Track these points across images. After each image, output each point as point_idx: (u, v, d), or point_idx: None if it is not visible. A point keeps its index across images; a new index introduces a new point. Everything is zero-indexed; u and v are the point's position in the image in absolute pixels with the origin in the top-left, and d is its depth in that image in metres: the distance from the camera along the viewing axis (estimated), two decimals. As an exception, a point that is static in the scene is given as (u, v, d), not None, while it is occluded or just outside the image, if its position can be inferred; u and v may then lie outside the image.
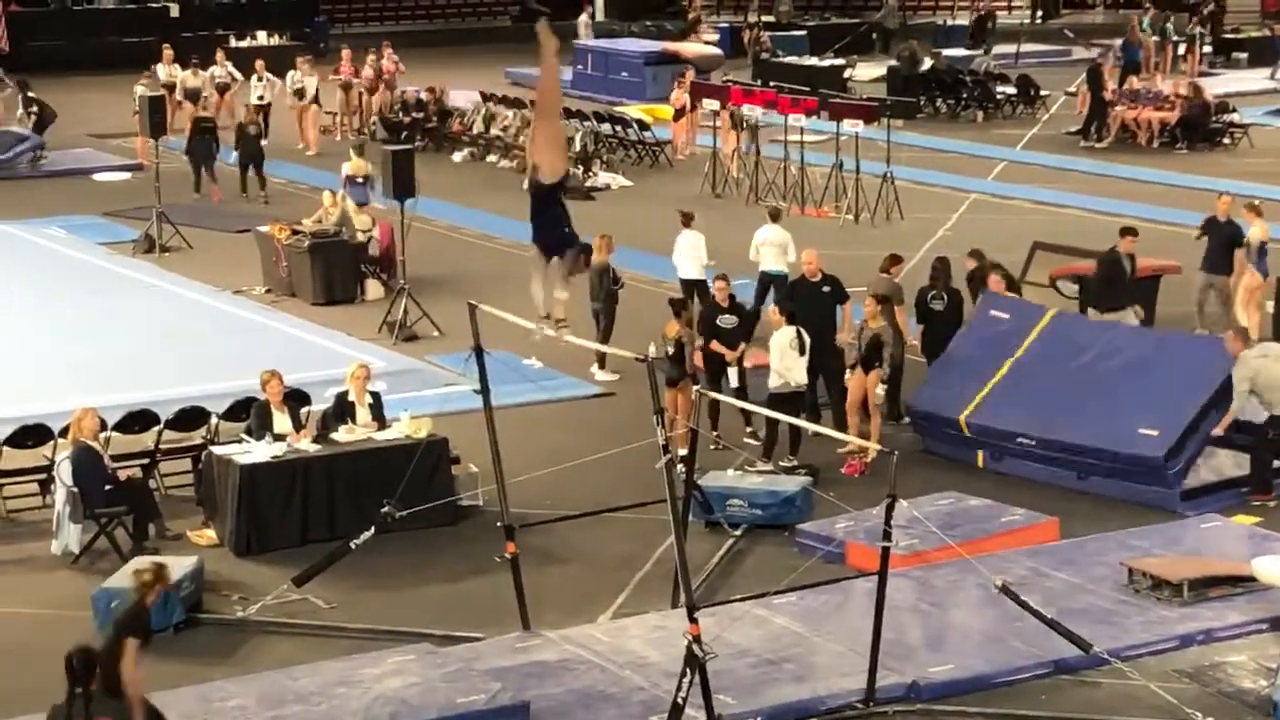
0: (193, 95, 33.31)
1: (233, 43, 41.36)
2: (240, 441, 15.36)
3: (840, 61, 41.29)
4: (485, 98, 34.59)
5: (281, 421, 15.45)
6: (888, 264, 18.68)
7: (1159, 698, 11.64)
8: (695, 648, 10.84)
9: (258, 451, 14.97)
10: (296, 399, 16.05)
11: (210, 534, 14.98)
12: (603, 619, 13.37)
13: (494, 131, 33.06)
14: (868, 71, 41.56)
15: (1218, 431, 15.74)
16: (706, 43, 43.54)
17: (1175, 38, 43.15)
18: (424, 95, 34.46)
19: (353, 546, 13.71)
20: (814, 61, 41.54)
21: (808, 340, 16.61)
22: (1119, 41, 40.44)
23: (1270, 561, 13.32)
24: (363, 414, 15.58)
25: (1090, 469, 15.89)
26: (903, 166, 28.60)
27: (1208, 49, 44.56)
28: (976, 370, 16.92)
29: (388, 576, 14.19)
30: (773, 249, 20.50)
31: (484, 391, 12.98)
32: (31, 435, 15.59)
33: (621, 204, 27.77)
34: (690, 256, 20.75)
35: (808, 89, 31.92)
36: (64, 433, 15.06)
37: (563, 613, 13.36)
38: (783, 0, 51.54)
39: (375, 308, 22.04)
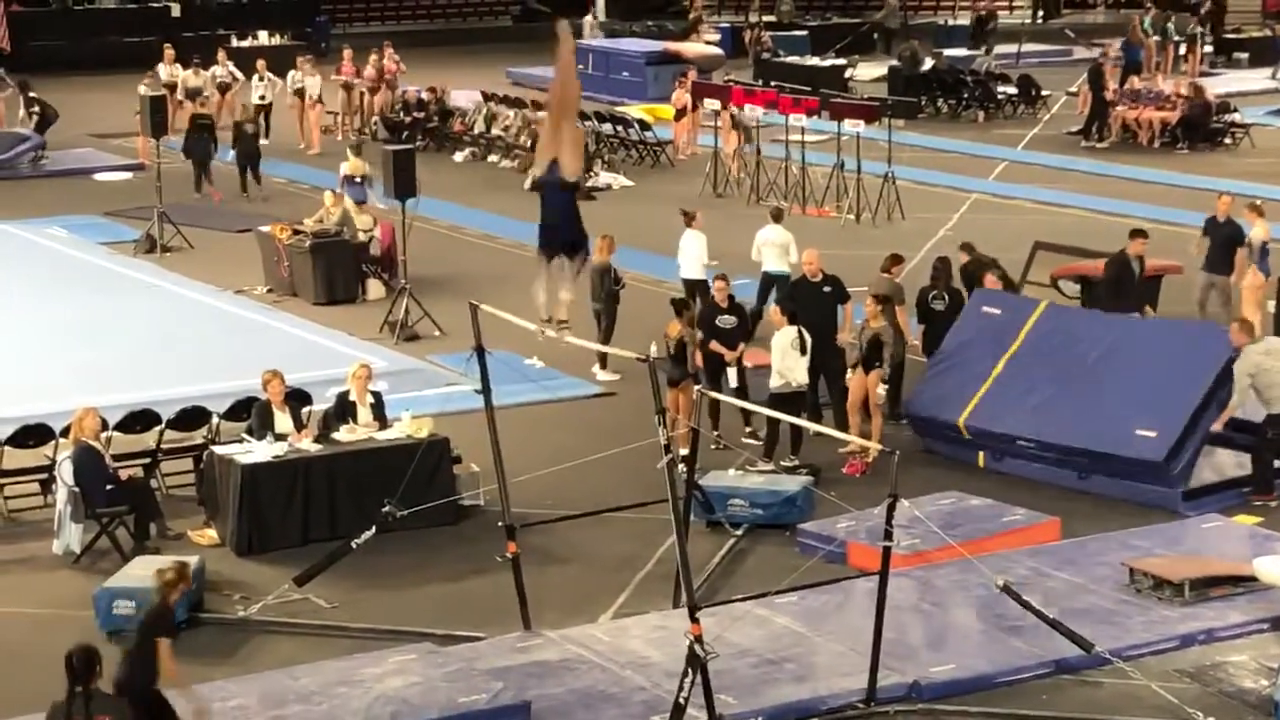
0: (194, 95, 33.32)
1: (234, 42, 41.37)
2: (241, 441, 15.37)
3: (841, 61, 41.28)
4: (486, 97, 34.61)
5: (283, 421, 15.45)
6: (889, 264, 18.68)
7: (1160, 697, 11.64)
8: (697, 647, 10.85)
9: (259, 451, 14.98)
10: (298, 399, 16.04)
11: (211, 534, 14.98)
12: (604, 619, 13.38)
13: (495, 131, 33.08)
14: (869, 71, 41.54)
15: (1217, 426, 15.71)
16: (708, 43, 43.52)
17: (1176, 38, 43.14)
18: (425, 95, 34.48)
19: (354, 546, 13.72)
20: (815, 61, 41.54)
21: (809, 340, 16.61)
22: (1119, 41, 40.44)
23: (1271, 561, 13.31)
24: (364, 414, 15.58)
25: (1091, 469, 15.88)
26: (904, 166, 28.61)
27: (1208, 49, 44.56)
28: (972, 369, 16.87)
29: (389, 576, 14.19)
30: (774, 249, 20.50)
31: (485, 391, 12.99)
32: (33, 435, 15.59)
33: (623, 204, 27.77)
34: (692, 256, 20.75)
35: (809, 89, 31.91)
36: (65, 432, 15.06)
37: (564, 612, 13.36)
38: (784, 0, 51.55)
39: (376, 307, 22.04)
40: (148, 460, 15.82)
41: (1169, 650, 12.58)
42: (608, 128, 32.64)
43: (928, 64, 39.29)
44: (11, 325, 21.66)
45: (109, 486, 14.67)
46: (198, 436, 16.18)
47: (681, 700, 10.91)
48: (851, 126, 27.15)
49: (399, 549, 14.40)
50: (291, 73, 33.79)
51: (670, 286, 21.15)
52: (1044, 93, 38.37)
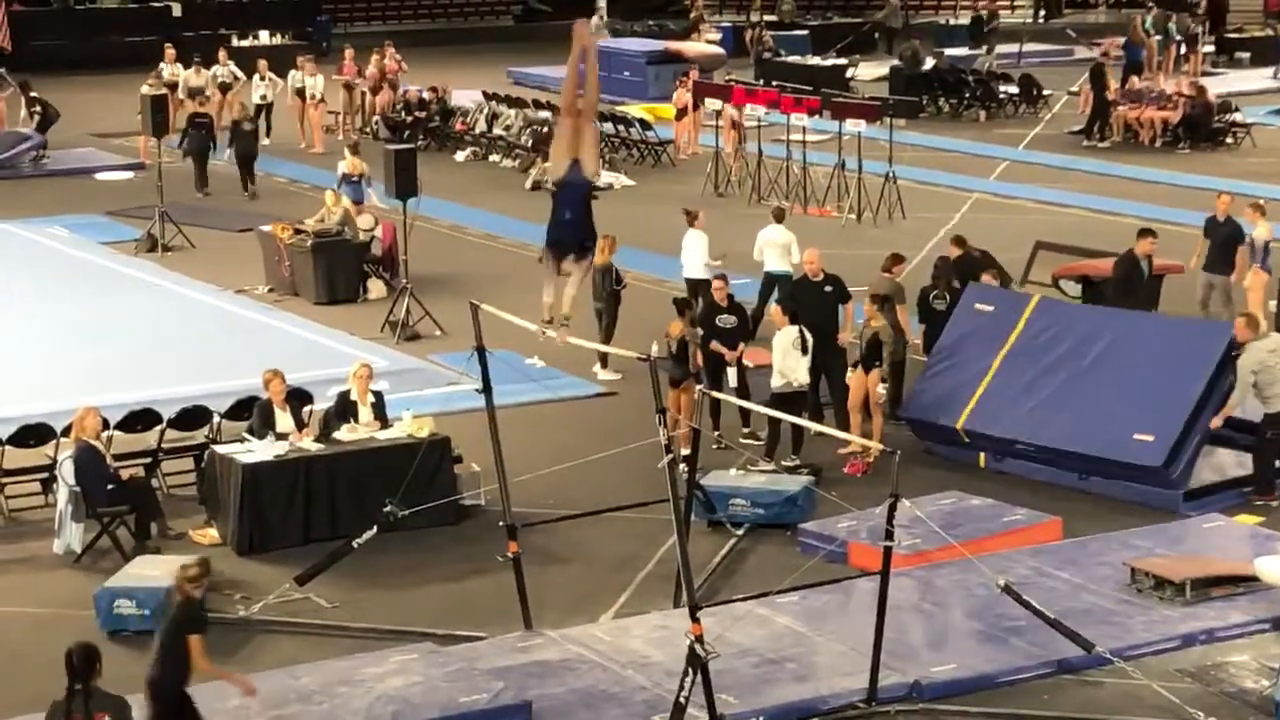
0: (195, 94, 33.32)
1: (235, 42, 41.39)
2: (242, 441, 15.36)
3: (843, 61, 41.30)
4: (488, 97, 34.62)
5: (284, 421, 15.45)
6: (889, 263, 18.67)
7: (1161, 697, 11.64)
8: (697, 647, 10.85)
9: (260, 450, 14.98)
10: (299, 398, 16.05)
11: (212, 533, 14.98)
12: (605, 618, 13.37)
13: (496, 131, 33.09)
14: (870, 71, 41.54)
15: (1217, 422, 15.67)
16: (709, 42, 43.53)
17: (1178, 37, 43.14)
18: (426, 95, 34.48)
19: (355, 546, 13.72)
20: (816, 61, 41.55)
21: (810, 340, 16.61)
22: (1121, 40, 40.45)
23: (1272, 561, 13.30)
24: (365, 413, 15.58)
25: (1091, 471, 15.86)
26: (905, 166, 28.62)
27: (1210, 48, 44.55)
28: (968, 370, 16.82)
29: (390, 576, 14.19)
30: (776, 249, 20.49)
31: (486, 391, 12.99)
32: (33, 434, 15.59)
33: (624, 203, 27.75)
34: (695, 256, 20.74)
35: (810, 88, 31.91)
36: (66, 432, 15.06)
37: (565, 612, 13.36)
38: (785, 0, 51.56)
39: (377, 307, 22.04)
40: (149, 460, 15.82)
41: (1170, 650, 12.58)
42: (609, 127, 32.63)
43: (929, 63, 39.29)
44: (13, 324, 21.66)
45: (110, 486, 14.67)
46: (199, 436, 16.18)
47: (682, 700, 10.91)
48: (853, 126, 27.15)
49: (400, 548, 14.40)
50: (292, 72, 33.80)
51: (671, 286, 21.15)
52: (1045, 92, 38.37)
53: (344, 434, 15.39)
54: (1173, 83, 36.22)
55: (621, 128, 32.89)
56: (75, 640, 9.97)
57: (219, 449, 15.32)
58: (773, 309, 17.92)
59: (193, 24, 45.92)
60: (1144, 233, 19.49)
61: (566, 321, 11.66)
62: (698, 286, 20.16)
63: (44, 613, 13.62)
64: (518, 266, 23.19)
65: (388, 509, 13.78)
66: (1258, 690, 11.92)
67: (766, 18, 48.84)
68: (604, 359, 19.15)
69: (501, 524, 13.09)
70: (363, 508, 14.44)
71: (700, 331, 17.06)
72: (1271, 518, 15.18)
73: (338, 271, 22.82)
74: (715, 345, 17.06)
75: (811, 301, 17.53)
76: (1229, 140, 33.83)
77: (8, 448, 15.52)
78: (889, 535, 11.63)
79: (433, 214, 25.68)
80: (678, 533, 11.43)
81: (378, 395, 15.89)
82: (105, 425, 15.18)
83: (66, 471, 14.59)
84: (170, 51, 35.07)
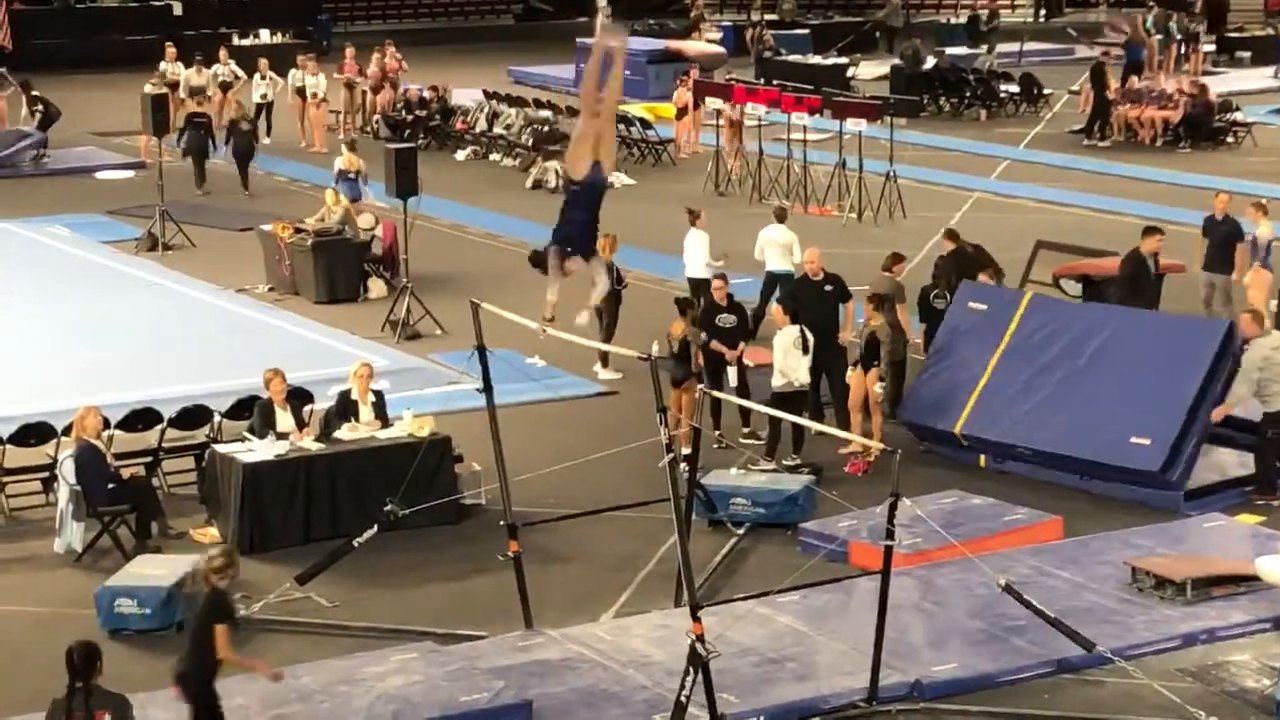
0: (196, 94, 33.32)
1: (236, 41, 41.38)
2: (243, 440, 15.36)
3: (843, 60, 41.29)
4: (488, 96, 34.62)
5: (284, 420, 15.45)
6: (890, 263, 18.66)
7: (1162, 697, 11.63)
8: (698, 646, 10.85)
9: (261, 450, 14.98)
10: (299, 397, 16.04)
11: (213, 532, 14.97)
12: (605, 617, 13.37)
13: (497, 130, 33.08)
14: (871, 70, 41.53)
15: (1218, 417, 15.63)
16: (709, 41, 43.53)
17: (1179, 36, 43.14)
18: (427, 93, 34.49)
19: (355, 545, 13.72)
20: (817, 60, 41.56)
21: (811, 339, 16.60)
22: (1122, 39, 40.48)
23: (1273, 561, 13.28)
24: (365, 412, 15.58)
25: (1090, 473, 15.84)
26: (906, 165, 28.62)
27: (1210, 47, 44.53)
28: (964, 371, 16.78)
29: (390, 575, 14.19)
30: (778, 249, 20.48)
31: (487, 390, 12.98)
32: (34, 433, 15.59)
33: (624, 203, 27.69)
34: (697, 255, 20.73)
35: (811, 87, 31.88)
36: (67, 431, 15.06)
37: (565, 611, 13.36)
38: (786, -2, 51.62)
39: (378, 306, 22.04)
40: (149, 459, 15.81)
41: (1171, 649, 12.58)
42: (609, 126, 32.58)
43: (930, 62, 39.28)
44: (13, 324, 21.67)
45: (110, 485, 14.67)
46: (199, 435, 16.18)
47: (683, 699, 10.91)
48: (853, 125, 27.14)
49: (400, 548, 14.40)
50: (293, 71, 33.80)
51: (672, 285, 21.15)
52: (1046, 91, 38.37)
53: (344, 433, 15.39)
54: (1173, 82, 36.21)
55: (622, 127, 32.81)
56: (76, 639, 9.97)
57: (220, 448, 15.32)
58: (774, 308, 17.92)
59: (193, 23, 45.98)
60: (1150, 230, 19.44)
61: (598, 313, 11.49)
62: (699, 286, 20.16)
63: (45, 611, 13.62)
64: (518, 266, 22.93)
65: (388, 508, 13.78)
66: (1259, 690, 11.92)
67: (767, 17, 48.85)
68: (605, 358, 19.15)
69: (502, 523, 13.09)
70: (363, 507, 14.44)
71: (702, 332, 17.05)
72: (1272, 517, 15.18)
73: (338, 271, 22.82)
74: (715, 344, 17.05)
75: (812, 301, 17.53)
76: (1230, 139, 33.84)
77: (8, 447, 15.52)
78: (890, 534, 11.63)
79: (433, 213, 25.68)
80: (678, 532, 11.42)
81: (378, 394, 15.89)
82: (106, 424, 15.18)
83: (67, 471, 14.59)
84: (171, 50, 35.09)
